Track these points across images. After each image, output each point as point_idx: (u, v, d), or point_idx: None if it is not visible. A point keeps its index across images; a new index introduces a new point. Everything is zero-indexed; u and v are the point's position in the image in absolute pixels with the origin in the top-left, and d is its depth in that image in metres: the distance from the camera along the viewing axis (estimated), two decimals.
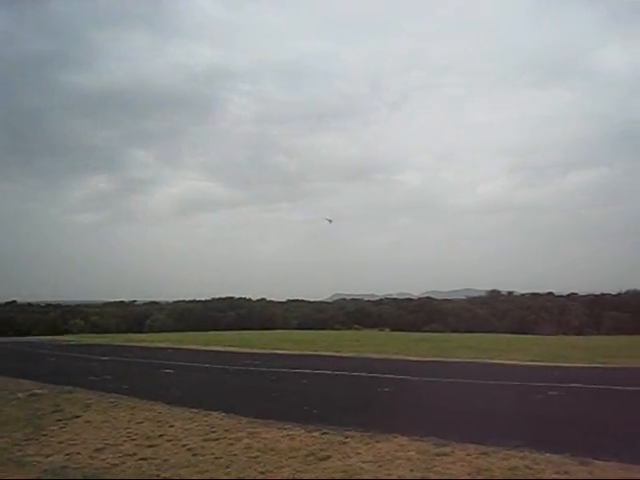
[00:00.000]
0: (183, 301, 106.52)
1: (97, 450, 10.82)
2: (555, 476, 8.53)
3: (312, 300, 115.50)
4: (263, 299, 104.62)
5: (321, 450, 10.27)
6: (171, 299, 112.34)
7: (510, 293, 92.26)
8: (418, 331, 64.23)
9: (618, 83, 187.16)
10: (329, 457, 9.81)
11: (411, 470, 8.97)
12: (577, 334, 59.44)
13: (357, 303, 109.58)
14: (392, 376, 20.47)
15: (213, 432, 11.94)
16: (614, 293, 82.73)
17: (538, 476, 8.58)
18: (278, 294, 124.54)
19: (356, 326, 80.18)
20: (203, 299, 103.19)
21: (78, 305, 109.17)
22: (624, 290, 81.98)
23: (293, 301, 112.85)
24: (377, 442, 10.73)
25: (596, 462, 9.02)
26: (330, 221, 62.06)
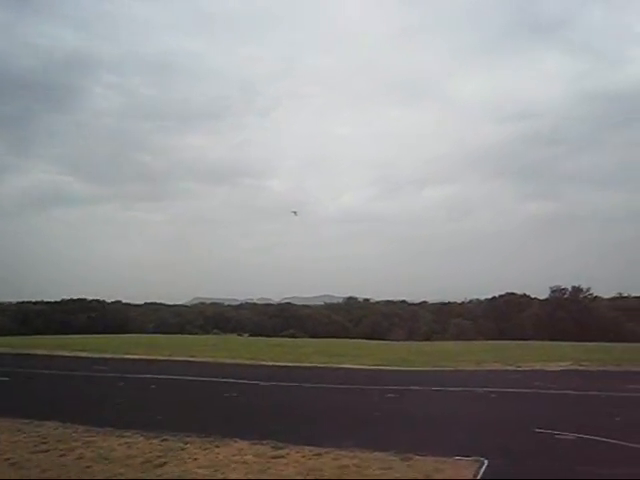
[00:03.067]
0: (29, 302, 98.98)
1: None
2: (378, 472, 9.16)
3: (171, 303, 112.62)
4: (118, 301, 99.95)
5: (158, 457, 10.17)
6: (15, 300, 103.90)
7: (366, 300, 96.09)
8: (277, 336, 64.90)
9: (470, 108, 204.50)
10: (165, 463, 9.75)
11: (246, 473, 9.18)
12: (425, 340, 63.25)
13: (217, 307, 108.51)
14: (243, 381, 20.65)
15: (44, 443, 11.32)
16: (459, 302, 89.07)
17: (364, 473, 9.15)
18: (135, 296, 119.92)
19: (215, 331, 79.35)
20: (52, 300, 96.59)
21: None
22: (467, 299, 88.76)
23: (150, 304, 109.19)
24: (216, 447, 10.83)
25: (416, 457, 9.83)
26: (295, 213, 59.93)
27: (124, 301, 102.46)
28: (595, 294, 70.29)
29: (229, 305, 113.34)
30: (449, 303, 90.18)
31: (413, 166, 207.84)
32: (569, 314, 64.83)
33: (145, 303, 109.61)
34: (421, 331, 75.90)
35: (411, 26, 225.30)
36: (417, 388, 19.82)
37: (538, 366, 26.72)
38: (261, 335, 66.72)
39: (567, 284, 70.18)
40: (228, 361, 28.80)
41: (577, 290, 69.44)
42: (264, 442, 11.05)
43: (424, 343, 53.57)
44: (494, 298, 78.21)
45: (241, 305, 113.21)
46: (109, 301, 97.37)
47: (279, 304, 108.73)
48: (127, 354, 31.87)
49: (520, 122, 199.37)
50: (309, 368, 26.18)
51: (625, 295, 75.88)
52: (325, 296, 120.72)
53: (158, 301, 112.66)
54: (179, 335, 62.55)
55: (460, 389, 19.57)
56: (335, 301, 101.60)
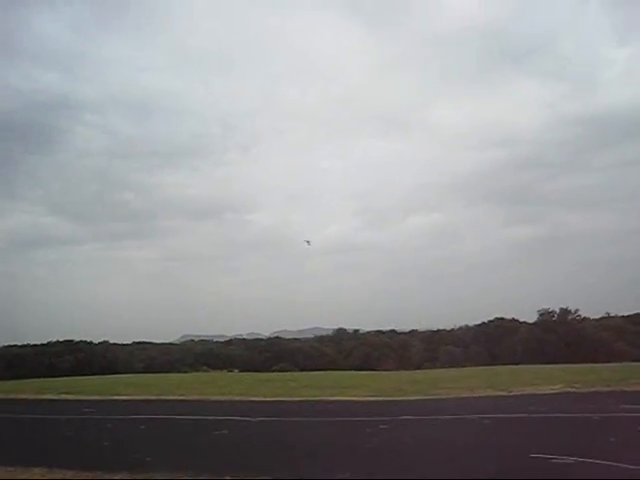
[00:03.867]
0: (15, 346, 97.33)
1: None
2: None
3: (159, 342, 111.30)
4: (105, 342, 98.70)
5: None
6: (0, 344, 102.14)
7: (356, 331, 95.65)
8: (267, 371, 64.29)
9: (451, 137, 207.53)
10: None
11: None
12: (416, 368, 62.95)
13: (206, 344, 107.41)
14: (233, 418, 20.34)
15: None
16: (448, 329, 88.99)
17: None
18: (122, 336, 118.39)
19: (204, 368, 78.43)
20: (38, 343, 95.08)
21: None
22: (457, 326, 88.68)
23: (138, 343, 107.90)
24: None
25: None
26: (309, 243, 59.07)
27: (112, 341, 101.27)
28: (583, 315, 70.76)
29: (218, 341, 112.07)
30: (439, 331, 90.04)
31: (397, 195, 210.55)
32: (558, 336, 64.98)
33: (133, 342, 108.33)
34: (412, 360, 75.59)
35: (391, 58, 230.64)
36: (410, 417, 19.66)
37: (530, 390, 26.66)
38: (251, 370, 66.12)
39: (555, 306, 70.62)
40: (218, 398, 28.44)
41: (565, 312, 69.78)
42: (258, 478, 10.88)
43: (415, 372, 53.32)
44: (483, 324, 78.29)
45: (230, 341, 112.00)
46: (96, 342, 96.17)
47: (268, 338, 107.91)
48: (116, 395, 31.34)
49: (502, 148, 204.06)
50: (300, 402, 25.90)
51: (612, 315, 76.40)
52: (314, 328, 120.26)
53: (146, 340, 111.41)
54: (168, 374, 61.76)
55: (453, 417, 19.45)
56: (324, 333, 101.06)
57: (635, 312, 78.42)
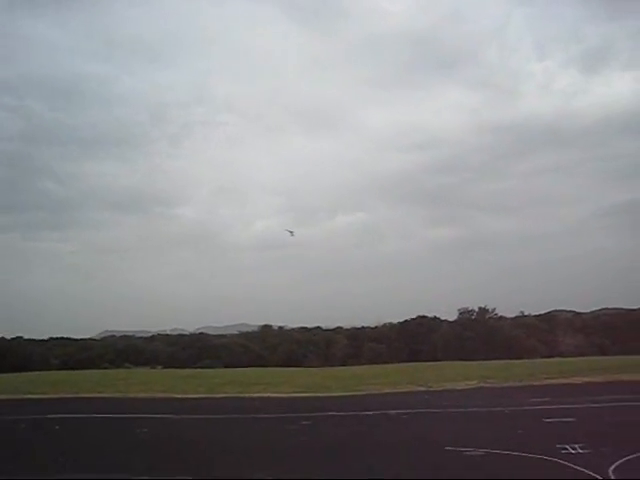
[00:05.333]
0: None
1: None
2: None
3: (78, 338, 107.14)
4: (19, 337, 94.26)
5: None
6: None
7: (281, 328, 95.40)
8: (191, 368, 63.29)
9: (377, 138, 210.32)
10: None
11: None
12: (341, 365, 63.62)
13: (128, 340, 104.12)
14: (155, 416, 20.04)
15: None
16: (372, 326, 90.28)
17: None
18: (38, 332, 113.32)
19: (126, 364, 76.21)
20: None
21: None
22: (381, 323, 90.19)
23: (56, 339, 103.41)
24: None
25: None
26: (292, 233, 56.77)
27: (26, 337, 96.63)
28: (500, 314, 73.69)
29: (141, 337, 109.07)
30: (363, 328, 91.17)
31: (324, 193, 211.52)
32: (476, 334, 67.44)
33: (50, 338, 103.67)
34: (336, 356, 76.25)
35: (324, 57, 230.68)
36: (332, 414, 20.01)
37: (448, 386, 27.67)
38: (175, 367, 64.84)
39: (474, 305, 73.20)
40: (140, 395, 27.82)
41: (483, 311, 72.49)
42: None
43: (340, 368, 53.89)
44: (406, 321, 79.91)
45: (153, 337, 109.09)
46: (9, 337, 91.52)
47: (193, 334, 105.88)
48: (29, 394, 29.95)
49: (426, 151, 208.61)
50: (223, 399, 25.79)
51: (526, 314, 79.94)
52: (240, 325, 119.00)
53: (64, 335, 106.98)
54: (87, 370, 59.74)
55: (374, 412, 19.93)
56: (250, 330, 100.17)
57: (546, 311, 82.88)
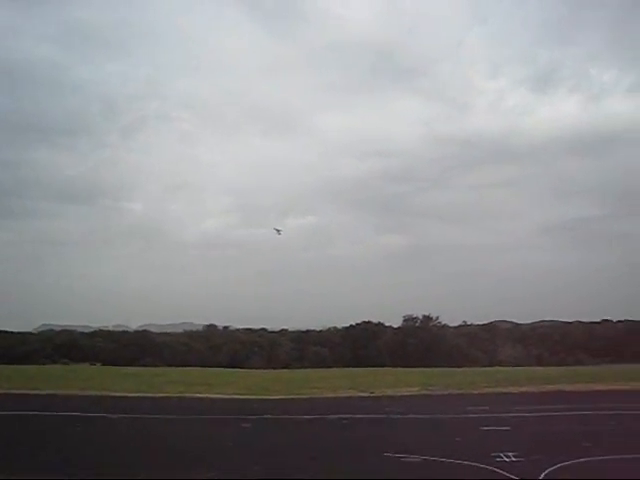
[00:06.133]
0: None
1: None
2: None
3: (14, 331, 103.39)
4: None
5: None
6: None
7: (226, 328, 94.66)
8: (132, 365, 62.05)
9: (331, 143, 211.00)
10: None
11: None
12: (285, 367, 63.58)
13: (67, 335, 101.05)
14: (90, 414, 19.53)
15: None
16: (318, 330, 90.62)
17: None
18: None
19: (64, 360, 74.05)
20: None
21: None
22: (326, 327, 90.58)
23: None
24: None
25: None
26: (279, 231, 54.62)
27: None
28: (443, 322, 75.14)
29: (81, 332, 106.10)
30: (308, 331, 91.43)
31: (276, 195, 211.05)
32: (420, 341, 68.57)
33: None
34: (280, 359, 76.18)
35: (283, 60, 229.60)
36: (273, 417, 19.96)
37: (390, 392, 28.00)
38: (116, 364, 63.43)
39: (419, 313, 74.41)
40: (77, 393, 27.04)
41: (427, 318, 73.75)
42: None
43: (283, 371, 53.85)
44: (351, 326, 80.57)
45: (95, 332, 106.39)
46: None
47: (135, 331, 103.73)
48: None
49: (378, 159, 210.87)
50: (164, 399, 25.36)
51: (469, 323, 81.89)
52: (185, 323, 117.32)
53: (0, 328, 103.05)
54: (23, 366, 57.76)
55: (315, 417, 19.97)
56: (195, 329, 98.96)
57: (488, 321, 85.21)
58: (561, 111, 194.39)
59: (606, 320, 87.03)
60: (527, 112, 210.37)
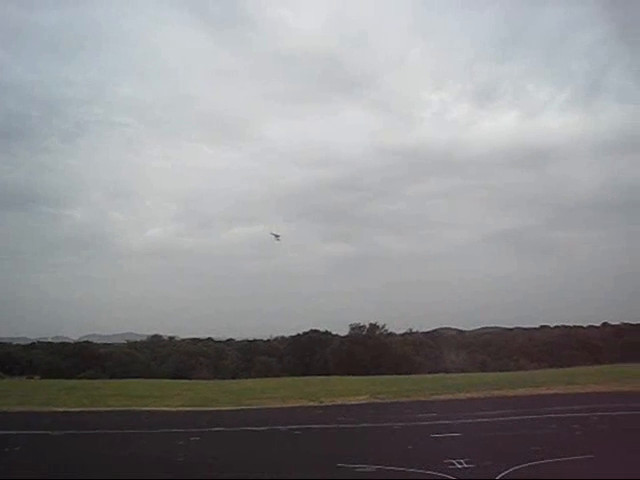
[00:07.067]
0: None
1: None
2: None
3: None
4: None
5: None
6: None
7: (171, 338, 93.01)
8: (74, 378, 60.04)
9: (278, 152, 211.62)
10: None
11: None
12: (232, 378, 62.78)
13: (3, 347, 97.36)
14: (30, 432, 18.71)
15: None
16: (265, 339, 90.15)
17: None
18: None
19: (0, 374, 71.04)
20: None
21: None
22: (273, 337, 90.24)
23: None
24: None
25: None
26: (277, 236, 51.72)
27: None
28: (389, 330, 75.91)
29: (18, 345, 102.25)
30: (255, 340, 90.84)
31: (222, 203, 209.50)
32: (367, 349, 68.98)
33: None
34: (227, 369, 75.29)
35: (231, 67, 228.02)
36: (222, 429, 19.64)
37: (339, 401, 28.00)
38: (56, 377, 61.29)
39: (365, 321, 74.92)
40: (14, 409, 25.86)
41: (374, 327, 74.28)
42: None
43: (230, 381, 53.21)
44: (298, 335, 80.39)
45: (33, 344, 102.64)
46: None
47: (77, 343, 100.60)
48: None
49: (325, 169, 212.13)
50: (109, 413, 24.60)
51: (414, 331, 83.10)
52: (128, 334, 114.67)
53: None
54: None
55: (265, 428, 19.75)
56: (138, 339, 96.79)
57: (433, 329, 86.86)
58: (501, 125, 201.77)
59: (544, 326, 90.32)
60: (469, 125, 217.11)
